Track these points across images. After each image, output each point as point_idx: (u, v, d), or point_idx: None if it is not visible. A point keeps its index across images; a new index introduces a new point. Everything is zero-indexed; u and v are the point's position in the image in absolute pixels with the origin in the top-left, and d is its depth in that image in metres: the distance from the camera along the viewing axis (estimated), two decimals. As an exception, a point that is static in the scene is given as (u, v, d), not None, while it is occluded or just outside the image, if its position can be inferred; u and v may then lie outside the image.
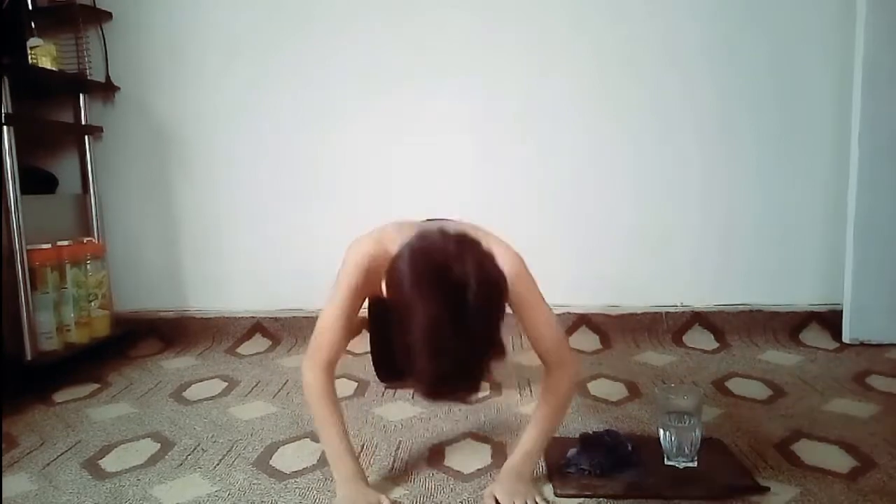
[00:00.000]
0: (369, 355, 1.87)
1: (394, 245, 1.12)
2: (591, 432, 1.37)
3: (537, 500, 1.16)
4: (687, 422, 1.27)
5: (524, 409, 1.66)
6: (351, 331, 1.24)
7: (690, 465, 1.28)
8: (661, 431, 1.30)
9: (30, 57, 2.04)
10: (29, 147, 2.03)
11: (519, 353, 1.99)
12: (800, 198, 2.25)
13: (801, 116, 2.21)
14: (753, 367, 1.94)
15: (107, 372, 2.03)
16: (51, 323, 1.95)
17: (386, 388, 1.82)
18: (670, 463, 1.29)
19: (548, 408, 1.26)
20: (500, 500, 1.15)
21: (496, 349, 0.99)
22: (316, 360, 1.24)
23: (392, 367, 1.75)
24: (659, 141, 2.24)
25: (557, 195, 2.28)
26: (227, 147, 2.34)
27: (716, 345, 2.16)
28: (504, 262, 1.07)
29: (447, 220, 1.53)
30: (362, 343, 2.02)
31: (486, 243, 1.09)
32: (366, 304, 1.49)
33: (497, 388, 1.79)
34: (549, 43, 2.23)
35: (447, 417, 1.60)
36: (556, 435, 1.47)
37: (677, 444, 1.27)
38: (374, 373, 1.85)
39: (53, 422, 1.65)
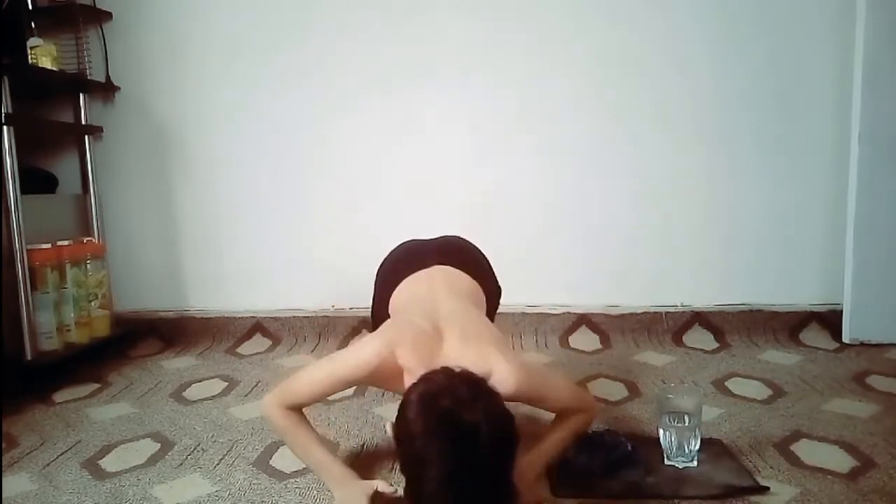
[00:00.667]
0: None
1: (406, 359, 1.19)
2: (590, 432, 1.37)
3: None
4: (687, 422, 1.27)
5: (524, 408, 1.65)
6: (323, 398, 1.33)
7: (690, 465, 1.28)
8: (661, 431, 1.30)
9: (30, 57, 2.04)
10: (29, 147, 2.03)
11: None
12: (800, 198, 2.25)
13: (802, 116, 2.21)
14: (753, 367, 1.94)
15: (107, 372, 2.03)
16: (51, 323, 1.95)
17: None
18: (670, 463, 1.29)
19: (564, 429, 1.29)
20: None
21: (508, 493, 0.99)
22: (284, 401, 1.26)
23: None
24: (659, 141, 2.24)
25: (557, 195, 2.28)
26: (227, 147, 2.34)
27: (716, 345, 2.16)
28: (507, 379, 1.15)
29: (432, 241, 1.60)
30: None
31: (487, 361, 1.16)
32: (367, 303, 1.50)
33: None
34: (549, 43, 2.23)
35: (447, 417, 1.60)
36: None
37: (677, 444, 1.27)
38: None
39: (53, 422, 1.65)
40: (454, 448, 0.94)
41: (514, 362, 1.23)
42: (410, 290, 1.46)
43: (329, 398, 1.73)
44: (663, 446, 1.30)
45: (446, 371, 1.05)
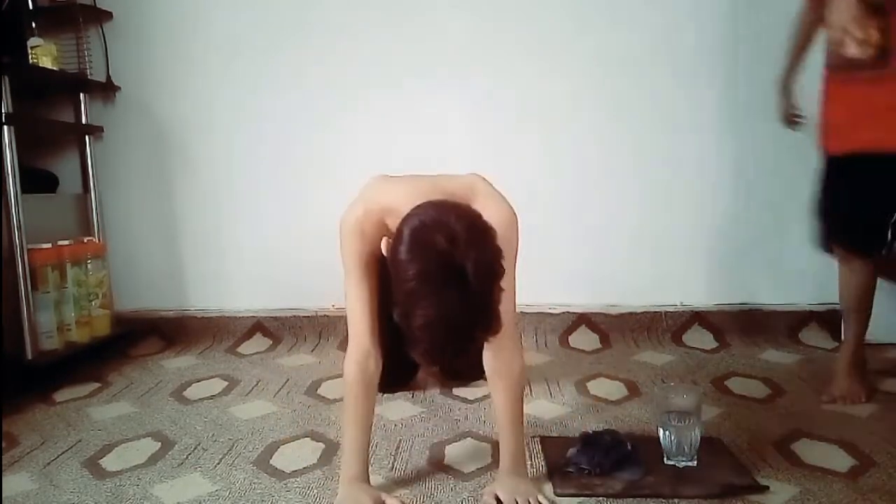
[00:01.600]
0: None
1: (384, 196, 1.19)
2: (591, 432, 1.37)
3: (539, 498, 1.16)
4: (686, 421, 1.27)
5: (525, 408, 1.66)
6: (375, 296, 1.23)
7: (690, 464, 1.28)
8: (661, 431, 1.30)
9: (30, 57, 2.05)
10: (29, 147, 2.03)
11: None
12: (799, 197, 2.24)
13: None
14: (753, 366, 1.94)
15: (107, 371, 2.04)
16: (51, 322, 1.96)
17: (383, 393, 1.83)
18: (670, 462, 1.29)
19: (507, 397, 1.24)
20: (502, 499, 1.16)
21: (494, 318, 1.02)
22: (353, 351, 1.22)
23: (390, 372, 1.78)
24: (659, 141, 2.24)
25: (557, 195, 2.28)
26: (227, 146, 2.34)
27: (715, 344, 2.16)
28: (500, 208, 1.20)
29: (436, 175, 1.52)
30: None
31: (482, 200, 1.17)
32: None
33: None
34: (549, 43, 2.23)
35: (447, 417, 1.61)
36: (556, 435, 1.48)
37: (677, 444, 1.28)
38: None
39: (54, 421, 1.65)
40: (446, 289, 0.97)
41: (507, 207, 1.24)
42: None
43: (329, 398, 1.74)
44: (663, 446, 1.30)
45: (437, 204, 1.06)
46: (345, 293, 1.25)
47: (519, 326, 1.28)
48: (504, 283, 1.08)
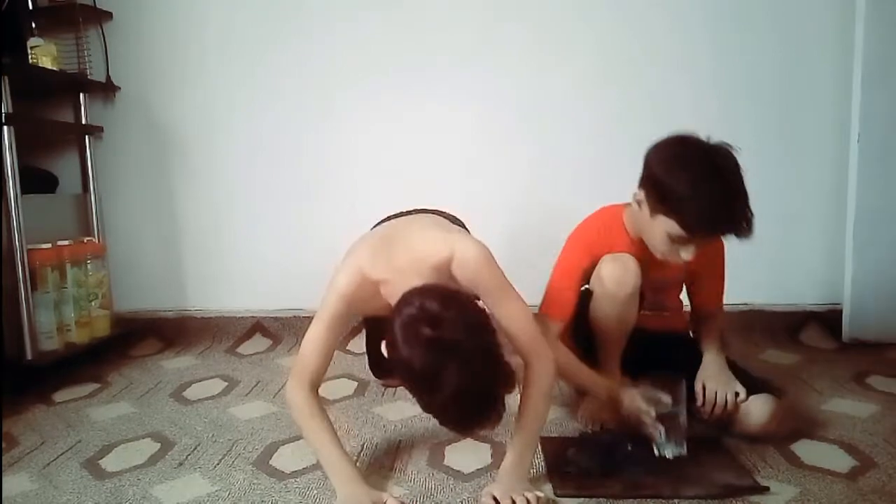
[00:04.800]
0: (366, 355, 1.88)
1: (373, 271, 1.27)
2: (590, 431, 1.37)
3: (537, 496, 1.16)
4: (668, 409, 1.28)
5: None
6: (332, 351, 1.31)
7: (681, 453, 1.28)
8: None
9: (30, 57, 2.04)
10: (29, 147, 2.03)
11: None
12: (800, 197, 2.25)
13: (802, 116, 2.21)
14: (753, 366, 1.93)
15: (107, 372, 2.03)
16: (51, 323, 1.95)
17: (383, 385, 1.83)
18: (661, 453, 1.30)
19: (533, 405, 1.27)
20: (498, 499, 1.16)
21: (507, 373, 1.10)
22: (302, 380, 1.28)
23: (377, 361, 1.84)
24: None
25: (557, 194, 2.28)
26: (227, 146, 2.34)
27: (715, 344, 2.15)
28: (468, 250, 1.26)
29: (407, 213, 1.62)
30: (362, 343, 2.02)
31: (448, 242, 1.25)
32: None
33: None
34: (550, 42, 2.23)
35: (447, 417, 1.60)
36: (556, 435, 1.48)
37: (664, 433, 1.29)
38: (370, 370, 1.85)
39: (54, 421, 1.65)
40: (449, 365, 1.04)
41: (477, 243, 1.30)
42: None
43: (329, 398, 1.73)
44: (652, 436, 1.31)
45: (413, 293, 1.12)
46: (308, 331, 1.30)
47: (543, 344, 1.33)
48: (510, 301, 1.27)
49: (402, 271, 1.24)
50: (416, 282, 1.17)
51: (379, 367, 1.83)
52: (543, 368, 1.28)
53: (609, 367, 1.53)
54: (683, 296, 1.67)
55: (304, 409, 1.26)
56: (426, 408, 1.11)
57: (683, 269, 1.53)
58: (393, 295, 1.18)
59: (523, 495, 1.15)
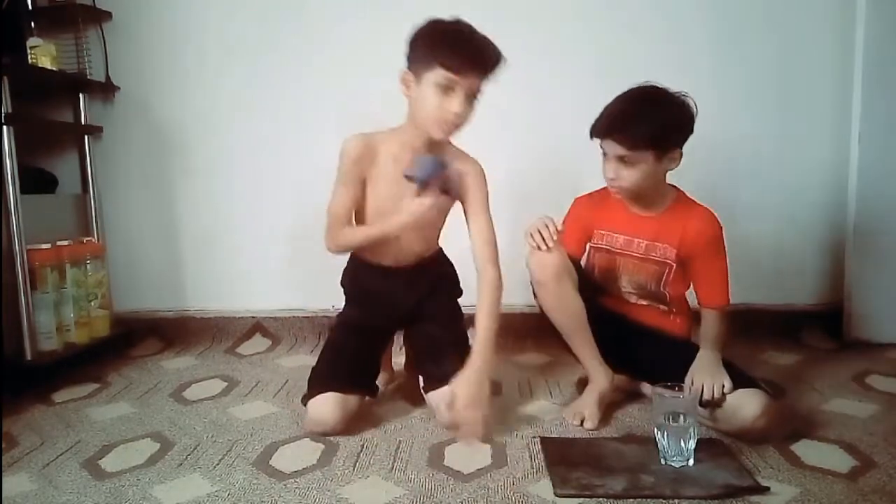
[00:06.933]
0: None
1: (376, 135, 1.58)
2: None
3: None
4: (682, 421, 1.27)
5: (525, 408, 1.66)
6: (354, 206, 1.57)
7: (686, 464, 1.28)
8: (657, 432, 1.30)
9: (30, 57, 2.04)
10: (29, 147, 2.03)
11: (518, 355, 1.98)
12: (800, 197, 2.25)
13: (802, 116, 2.21)
14: (753, 367, 1.94)
15: (107, 372, 2.03)
16: (50, 323, 1.95)
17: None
18: (667, 463, 1.29)
19: (489, 302, 1.51)
20: (457, 395, 1.41)
21: None
22: (334, 231, 1.54)
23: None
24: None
25: (558, 194, 2.27)
26: (227, 146, 2.34)
27: (716, 345, 2.15)
28: (470, 161, 1.60)
29: None
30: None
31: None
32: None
33: (497, 388, 1.79)
34: (550, 42, 2.23)
35: (447, 417, 1.60)
36: (556, 435, 1.47)
37: (674, 444, 1.28)
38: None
39: (53, 422, 1.65)
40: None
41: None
42: None
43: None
44: (660, 447, 1.30)
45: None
46: (331, 198, 1.56)
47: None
48: (485, 219, 1.57)
49: (402, 130, 1.57)
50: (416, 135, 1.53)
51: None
52: (496, 273, 1.54)
53: (590, 363, 1.58)
54: (692, 299, 1.67)
55: (346, 232, 1.55)
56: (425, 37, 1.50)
57: (675, 244, 1.59)
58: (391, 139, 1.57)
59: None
